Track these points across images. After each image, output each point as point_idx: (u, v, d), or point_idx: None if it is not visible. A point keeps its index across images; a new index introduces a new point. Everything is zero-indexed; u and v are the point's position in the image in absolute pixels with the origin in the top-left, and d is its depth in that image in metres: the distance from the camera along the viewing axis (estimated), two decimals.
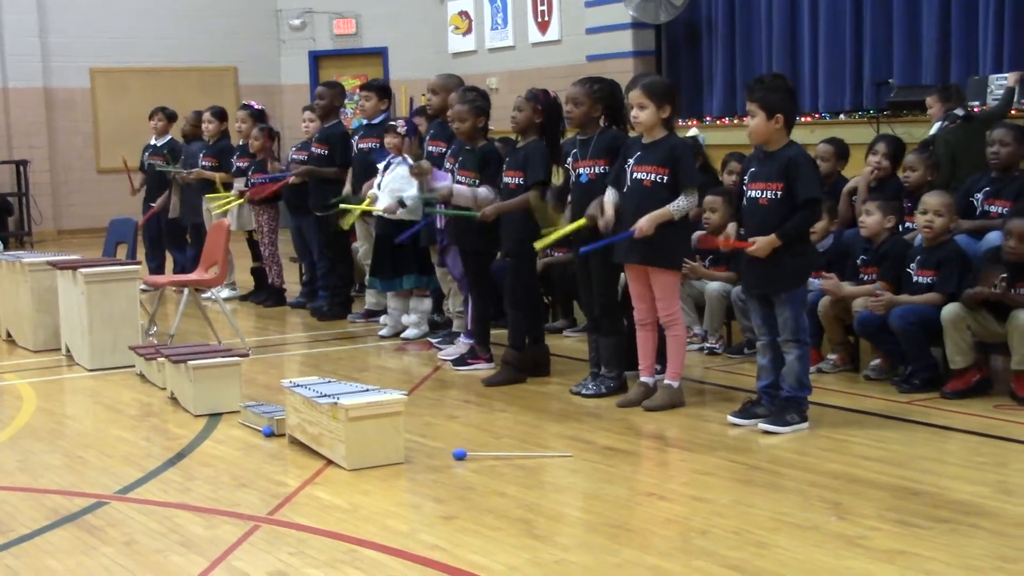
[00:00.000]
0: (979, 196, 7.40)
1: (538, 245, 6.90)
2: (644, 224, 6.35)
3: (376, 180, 8.82)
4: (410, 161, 8.29)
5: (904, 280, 6.97)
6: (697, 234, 7.46)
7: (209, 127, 11.44)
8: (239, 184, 10.81)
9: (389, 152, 8.76)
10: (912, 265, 6.94)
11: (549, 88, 7.67)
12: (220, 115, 11.51)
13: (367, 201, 8.89)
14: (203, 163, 11.35)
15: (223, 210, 10.71)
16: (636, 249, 6.44)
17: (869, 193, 7.70)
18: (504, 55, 17.26)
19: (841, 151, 8.48)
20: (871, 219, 7.22)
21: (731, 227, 6.37)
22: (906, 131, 10.15)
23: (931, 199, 6.94)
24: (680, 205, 6.40)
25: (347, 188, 9.52)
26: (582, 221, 6.66)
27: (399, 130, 8.72)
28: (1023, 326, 6.32)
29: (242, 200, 10.70)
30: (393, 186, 8.55)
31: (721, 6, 14.65)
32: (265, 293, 11.00)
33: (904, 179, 7.61)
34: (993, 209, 7.22)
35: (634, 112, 6.46)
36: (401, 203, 8.47)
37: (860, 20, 13.03)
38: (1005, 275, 6.43)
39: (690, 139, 8.63)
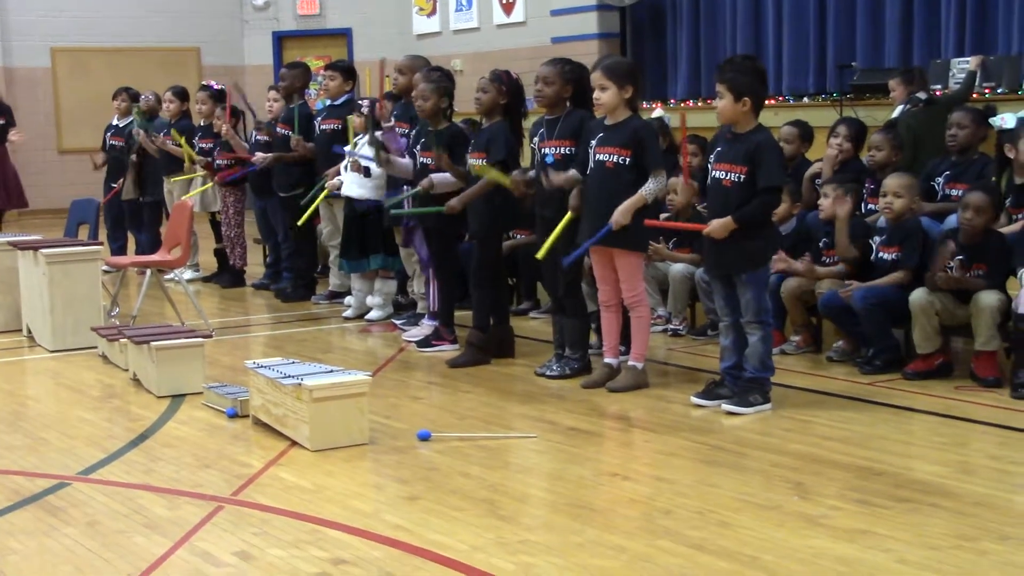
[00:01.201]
0: (940, 180, 7.45)
1: (539, 255, 6.81)
2: (619, 216, 6.35)
3: (342, 164, 8.81)
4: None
5: (866, 260, 7.02)
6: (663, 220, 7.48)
7: (170, 107, 11.38)
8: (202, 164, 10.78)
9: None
10: (877, 240, 6.99)
11: (513, 70, 7.66)
12: (181, 95, 11.45)
13: (324, 193, 8.94)
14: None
15: (190, 194, 10.66)
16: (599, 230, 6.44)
17: (831, 175, 7.75)
18: (469, 36, 17.21)
19: (805, 133, 8.52)
20: (827, 201, 7.27)
21: (681, 184, 6.34)
22: (869, 114, 10.20)
23: (890, 181, 6.99)
24: (651, 188, 6.40)
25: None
26: (569, 215, 6.64)
27: (363, 110, 8.74)
28: (986, 308, 6.38)
29: (210, 185, 10.65)
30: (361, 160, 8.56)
31: None
32: (226, 274, 10.96)
33: (869, 158, 7.65)
34: (954, 193, 7.27)
35: (596, 94, 6.46)
36: (367, 172, 8.47)
37: (824, 3, 13.07)
38: (960, 256, 6.50)
39: (655, 120, 8.65)
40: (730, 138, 6.13)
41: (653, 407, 6.27)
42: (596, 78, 6.47)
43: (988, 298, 6.41)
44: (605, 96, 6.44)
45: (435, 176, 7.55)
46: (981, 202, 6.57)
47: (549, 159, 6.80)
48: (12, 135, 12.44)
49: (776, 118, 9.89)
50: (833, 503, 4.68)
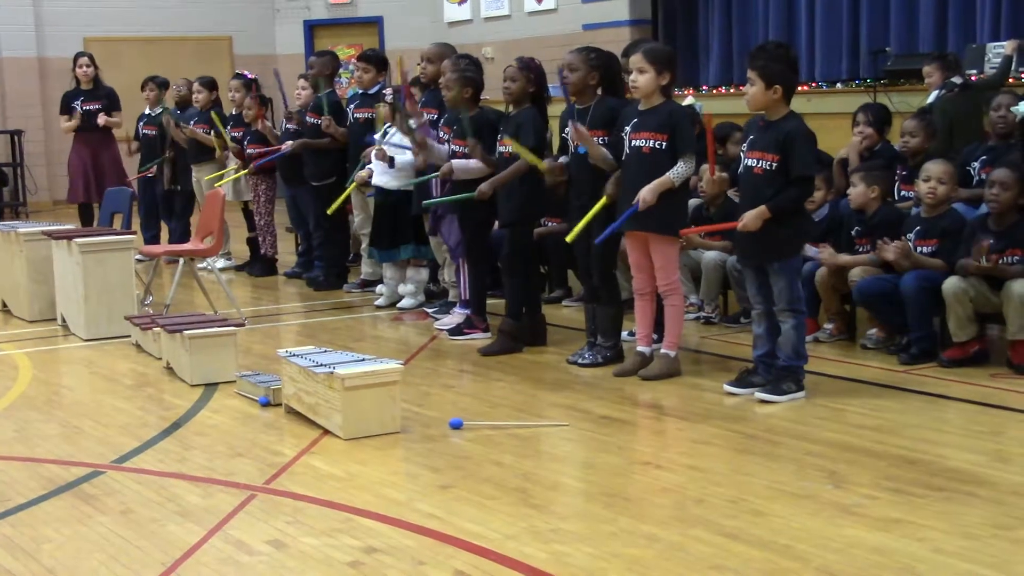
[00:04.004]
0: (975, 165, 7.39)
1: (568, 238, 6.83)
2: (646, 195, 6.33)
3: (371, 152, 8.81)
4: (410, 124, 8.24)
5: None
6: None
7: (199, 97, 11.40)
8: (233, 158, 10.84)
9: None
10: (910, 235, 6.91)
11: (544, 58, 7.65)
12: (210, 84, 11.47)
13: (354, 185, 8.93)
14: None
15: (222, 181, 10.70)
16: (636, 217, 6.43)
17: (860, 162, 7.70)
18: (500, 24, 17.19)
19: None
20: (855, 191, 7.24)
21: (707, 177, 6.33)
22: (903, 99, 10.13)
23: (934, 167, 6.91)
24: (679, 171, 6.39)
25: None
26: (604, 200, 6.63)
27: (387, 99, 8.76)
28: (1019, 296, 6.33)
29: (244, 172, 10.67)
30: (391, 154, 8.56)
31: None
32: (257, 263, 11.00)
33: (903, 144, 7.60)
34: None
35: (633, 76, 6.44)
36: (391, 161, 8.48)
37: None
38: (990, 241, 6.44)
39: (687, 107, 8.61)
40: (762, 125, 6.09)
41: (686, 395, 6.25)
42: (635, 60, 6.44)
43: (1018, 286, 6.34)
44: (642, 80, 6.41)
45: (455, 162, 7.56)
46: (1006, 177, 6.52)
47: (582, 150, 6.78)
48: (101, 119, 12.10)
49: (809, 104, 9.84)
50: (867, 492, 4.65)
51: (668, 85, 6.49)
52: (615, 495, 4.73)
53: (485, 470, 5.09)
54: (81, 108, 12.08)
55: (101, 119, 12.03)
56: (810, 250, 7.06)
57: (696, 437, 5.50)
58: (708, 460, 5.14)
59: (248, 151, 10.65)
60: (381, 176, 8.70)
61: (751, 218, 5.98)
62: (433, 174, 7.91)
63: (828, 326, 7.38)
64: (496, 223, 7.78)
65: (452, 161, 7.60)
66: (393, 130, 8.63)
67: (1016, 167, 6.66)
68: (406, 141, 8.29)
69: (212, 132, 11.01)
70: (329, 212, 9.33)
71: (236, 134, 10.90)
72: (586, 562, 4.06)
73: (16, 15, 17.83)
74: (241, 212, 11.40)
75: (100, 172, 12.05)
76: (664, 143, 6.39)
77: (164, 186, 11.77)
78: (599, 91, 6.86)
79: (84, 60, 12.22)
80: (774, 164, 5.97)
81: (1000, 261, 6.46)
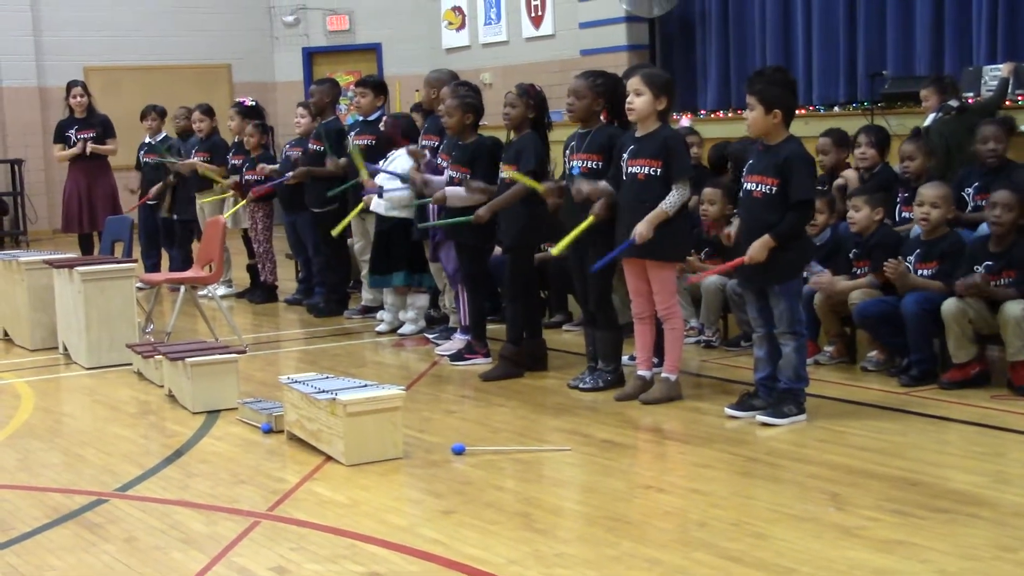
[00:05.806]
0: (970, 191, 7.41)
1: (555, 251, 6.85)
2: (642, 229, 6.35)
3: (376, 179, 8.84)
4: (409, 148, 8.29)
5: None
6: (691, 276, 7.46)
7: (200, 125, 11.43)
8: (233, 178, 10.88)
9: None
10: (911, 258, 6.92)
11: (543, 83, 7.69)
12: (209, 112, 11.52)
13: (360, 207, 8.94)
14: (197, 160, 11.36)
15: (226, 215, 10.72)
16: (632, 245, 6.44)
17: (860, 185, 7.73)
18: (498, 50, 17.25)
19: (841, 140, 8.46)
20: (860, 214, 7.23)
21: (734, 225, 6.36)
22: (900, 122, 10.15)
23: (927, 191, 6.93)
24: (672, 200, 6.40)
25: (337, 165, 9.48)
26: (590, 219, 6.65)
27: (380, 125, 8.83)
28: (1015, 318, 6.33)
29: (244, 202, 10.68)
30: (384, 183, 8.59)
31: None
32: (257, 290, 11.02)
33: (904, 168, 7.61)
34: (985, 204, 7.21)
35: (630, 98, 6.47)
36: (379, 193, 8.49)
37: (853, 12, 13.03)
38: (989, 263, 6.46)
39: (683, 130, 8.65)
40: (762, 149, 6.11)
41: (687, 419, 6.26)
42: (633, 83, 6.47)
43: (1014, 308, 6.35)
44: (639, 102, 6.44)
45: (449, 190, 7.59)
46: (1008, 199, 6.54)
47: (576, 171, 6.82)
48: (81, 146, 11.97)
49: (807, 128, 9.86)
50: (870, 514, 4.65)
51: (665, 110, 6.52)
52: (617, 519, 4.74)
53: (487, 495, 5.10)
54: (75, 137, 12.05)
55: (82, 146, 11.95)
56: (815, 267, 7.09)
57: (698, 460, 5.51)
58: (710, 483, 5.15)
59: (247, 178, 10.69)
60: (378, 204, 8.72)
61: (756, 250, 5.98)
62: (427, 199, 7.93)
63: (828, 348, 7.39)
64: (494, 249, 7.81)
65: (446, 188, 7.62)
66: (393, 154, 8.65)
67: (1016, 187, 6.67)
68: (403, 163, 8.34)
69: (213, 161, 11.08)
70: (334, 234, 9.27)
71: (236, 161, 10.95)
72: None
73: (17, 44, 17.91)
74: (241, 239, 11.42)
75: (93, 201, 12.04)
76: (658, 170, 6.41)
77: (163, 213, 11.79)
78: (603, 117, 6.88)
79: (77, 89, 12.22)
80: (773, 188, 5.99)
81: (995, 283, 6.46)
